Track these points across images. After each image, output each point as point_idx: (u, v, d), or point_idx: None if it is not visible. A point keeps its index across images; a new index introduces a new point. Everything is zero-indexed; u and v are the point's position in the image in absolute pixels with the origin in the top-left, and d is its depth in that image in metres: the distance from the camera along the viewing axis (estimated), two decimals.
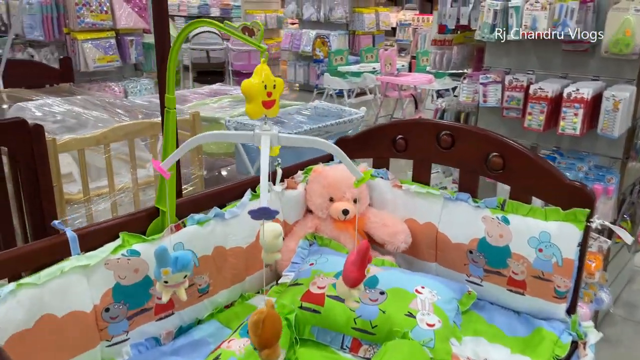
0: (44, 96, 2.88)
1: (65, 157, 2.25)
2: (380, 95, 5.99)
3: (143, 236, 1.29)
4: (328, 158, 1.81)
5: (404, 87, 5.66)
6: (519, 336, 1.42)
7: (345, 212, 1.61)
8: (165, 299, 1.13)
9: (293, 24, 9.70)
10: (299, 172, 1.71)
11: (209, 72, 8.25)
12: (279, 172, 1.64)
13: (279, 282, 1.54)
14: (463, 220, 1.55)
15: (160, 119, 2.47)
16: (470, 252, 1.54)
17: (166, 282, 1.12)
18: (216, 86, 4.96)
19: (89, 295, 1.19)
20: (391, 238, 1.63)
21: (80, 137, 2.11)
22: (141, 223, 1.31)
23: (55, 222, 1.16)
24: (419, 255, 1.67)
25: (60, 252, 1.16)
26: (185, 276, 1.13)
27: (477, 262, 1.53)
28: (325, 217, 1.66)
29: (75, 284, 1.16)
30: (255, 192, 1.56)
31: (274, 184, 1.63)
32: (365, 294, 1.36)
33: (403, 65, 6.51)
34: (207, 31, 8.09)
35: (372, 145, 1.75)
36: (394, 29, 10.55)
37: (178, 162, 1.46)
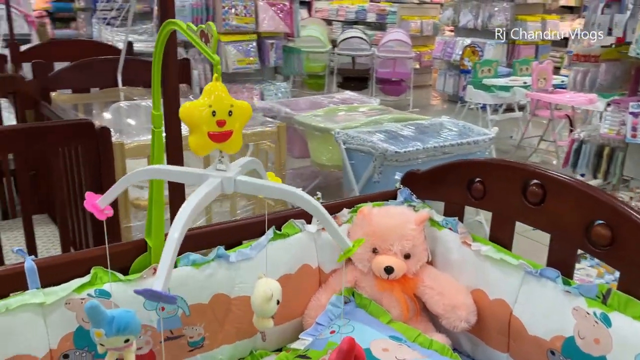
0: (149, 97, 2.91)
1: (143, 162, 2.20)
2: (529, 114, 5.30)
3: (119, 275, 1.10)
4: (391, 196, 1.46)
5: (559, 106, 4.91)
6: None
7: (389, 270, 1.26)
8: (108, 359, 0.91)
9: (451, 31, 9.17)
10: (345, 210, 1.39)
11: (354, 79, 8.14)
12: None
13: (291, 346, 1.25)
14: (546, 306, 1.11)
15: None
16: (553, 353, 1.10)
17: (102, 344, 0.90)
18: (355, 94, 4.74)
19: (43, 338, 1.02)
20: (448, 312, 1.25)
21: (148, 143, 2.02)
22: (125, 257, 1.12)
23: (16, 248, 1.01)
24: (486, 340, 1.26)
25: (18, 283, 1.01)
26: (127, 340, 0.90)
27: None
28: (367, 271, 1.32)
29: (26, 325, 1.00)
30: (279, 231, 1.29)
31: (309, 223, 1.34)
32: None
33: (563, 81, 5.68)
34: (355, 37, 7.98)
35: (444, 185, 1.38)
36: (566, 39, 9.43)
37: (180, 188, 1.25)
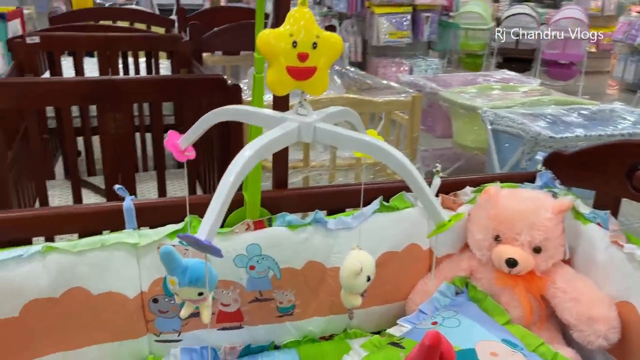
0: None
1: None
2: None
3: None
4: (526, 178, 1.24)
5: None
6: None
7: (512, 262, 1.06)
8: (183, 313, 0.86)
9: (638, 12, 7.99)
10: (467, 189, 1.20)
11: (516, 59, 7.48)
12: (436, 182, 1.18)
13: (388, 331, 1.12)
14: None
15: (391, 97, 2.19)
16: None
17: (176, 294, 0.85)
18: (514, 74, 4.33)
19: (135, 279, 1.02)
20: (582, 324, 1.01)
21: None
22: None
23: (117, 186, 1.02)
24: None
25: (116, 222, 1.02)
26: (201, 294, 0.84)
27: None
28: (486, 261, 1.13)
29: (119, 262, 1.00)
30: (387, 202, 1.16)
31: (437, 196, 1.18)
32: None
33: None
34: (522, 13, 7.32)
35: (596, 170, 1.12)
36: None
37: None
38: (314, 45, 0.63)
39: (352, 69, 2.85)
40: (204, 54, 2.98)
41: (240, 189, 1.07)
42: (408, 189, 1.17)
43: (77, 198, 1.83)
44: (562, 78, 7.05)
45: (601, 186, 1.12)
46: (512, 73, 4.34)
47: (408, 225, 1.16)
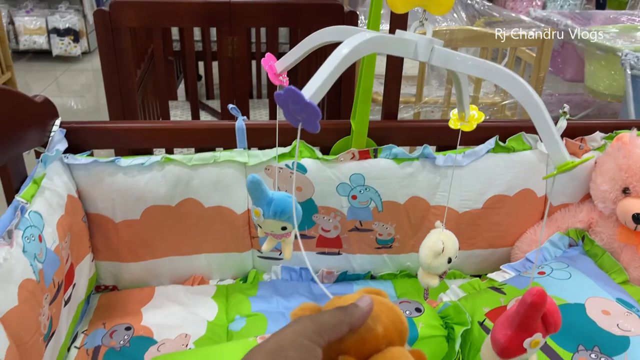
0: None
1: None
2: None
3: (318, 152, 1.06)
4: None
5: None
6: None
7: (639, 218, 0.96)
8: (265, 248, 0.85)
9: None
10: (597, 134, 1.09)
11: None
12: (562, 123, 1.08)
13: (490, 275, 1.08)
14: None
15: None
16: None
17: (260, 226, 0.83)
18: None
19: (243, 196, 1.06)
20: None
21: None
22: (327, 137, 1.07)
23: (230, 105, 1.04)
24: None
25: (227, 140, 1.05)
26: (284, 228, 0.83)
27: None
28: (609, 214, 1.03)
29: (228, 179, 1.05)
30: (503, 143, 1.08)
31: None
32: (585, 356, 0.80)
33: None
34: None
35: None
36: None
37: (398, 69, 1.11)
38: None
39: (478, 0, 2.65)
40: None
41: (347, 118, 1.06)
42: (527, 130, 1.09)
43: (195, 118, 1.93)
44: None
45: None
46: None
47: (524, 169, 1.08)
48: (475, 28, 1.88)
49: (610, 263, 1.01)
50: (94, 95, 3.44)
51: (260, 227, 0.82)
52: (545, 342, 0.82)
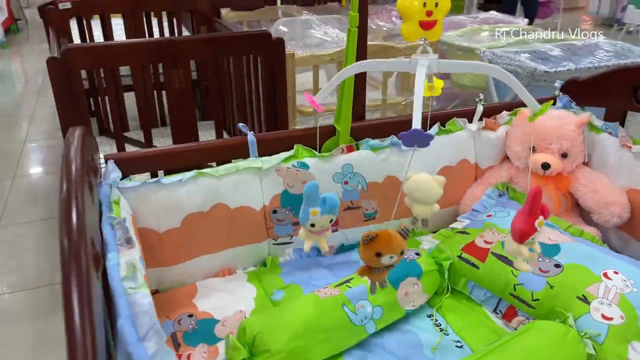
0: (309, 14, 3.12)
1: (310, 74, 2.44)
2: None
3: (315, 151, 1.34)
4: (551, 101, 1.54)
5: None
6: None
7: (546, 166, 1.38)
8: (307, 246, 1.08)
9: None
10: (504, 113, 1.51)
11: (497, 0, 7.69)
12: (479, 109, 1.48)
13: (450, 226, 1.44)
14: None
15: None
16: None
17: (313, 225, 1.05)
18: (499, 15, 4.59)
19: (259, 195, 1.31)
20: (600, 208, 1.35)
21: (316, 54, 2.25)
22: (315, 139, 1.36)
23: (240, 124, 1.29)
24: (637, 236, 1.35)
25: (241, 152, 1.30)
26: (331, 221, 1.08)
27: None
28: (523, 168, 1.45)
29: (248, 182, 1.29)
30: (444, 126, 1.46)
31: (470, 122, 1.48)
32: (536, 262, 1.18)
33: None
34: None
35: (606, 91, 1.43)
36: None
37: (362, 85, 1.44)
38: (436, 4, 0.91)
39: None
40: (222, 10, 3.17)
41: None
42: (457, 115, 1.47)
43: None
44: (541, 16, 7.32)
45: (610, 103, 1.43)
46: (497, 13, 4.59)
47: (459, 144, 1.47)
48: (378, 42, 2.28)
49: None
50: None
51: (314, 225, 1.04)
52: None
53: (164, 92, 2.53)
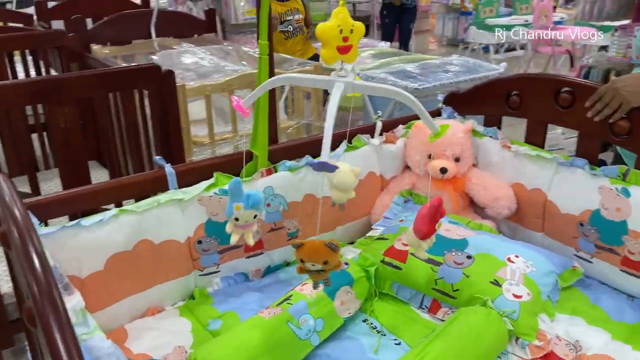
0: (189, 45, 3.11)
1: (201, 103, 2.42)
2: (531, 51, 5.49)
3: (233, 177, 1.36)
4: (436, 114, 1.72)
5: (559, 42, 5.12)
6: (625, 322, 1.26)
7: (444, 170, 1.53)
8: (233, 240, 1.17)
9: None
10: (400, 127, 1.65)
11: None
12: (379, 124, 1.60)
13: (367, 234, 1.54)
14: (577, 188, 1.39)
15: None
16: (581, 224, 1.38)
17: (237, 219, 1.14)
18: (364, 39, 4.89)
19: (183, 227, 1.30)
20: (492, 202, 1.53)
21: (207, 84, 2.26)
22: (235, 165, 1.38)
23: (157, 158, 1.27)
24: (524, 223, 1.55)
25: (160, 186, 1.28)
26: (255, 216, 1.16)
27: (588, 237, 1.38)
28: (423, 175, 1.60)
29: (170, 216, 1.27)
30: (351, 143, 1.56)
31: (372, 137, 1.60)
32: (450, 256, 1.31)
33: (563, 18, 5.85)
34: None
35: (483, 101, 1.63)
36: None
37: (274, 111, 1.49)
38: (351, 31, 0.99)
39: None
40: (94, 46, 3.04)
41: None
42: (360, 132, 1.58)
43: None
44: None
45: (487, 111, 1.63)
46: (364, 39, 4.92)
47: (365, 159, 1.57)
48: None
49: None
50: None
51: (238, 219, 1.12)
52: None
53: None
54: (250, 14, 5.49)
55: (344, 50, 1.00)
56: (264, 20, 1.22)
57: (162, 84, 2.09)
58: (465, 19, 7.06)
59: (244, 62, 2.91)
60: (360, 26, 1.01)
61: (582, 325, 1.26)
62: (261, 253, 1.44)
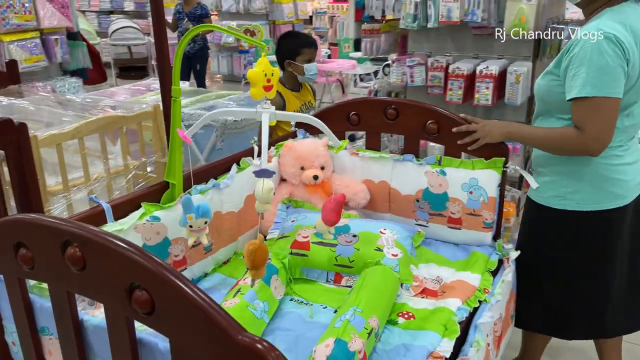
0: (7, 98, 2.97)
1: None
2: None
3: (160, 204, 1.56)
4: (291, 136, 2.12)
5: (330, 73, 6.04)
6: (459, 260, 1.83)
7: (316, 177, 1.94)
8: (190, 242, 1.43)
9: (215, 15, 9.74)
10: (272, 148, 2.02)
11: (132, 68, 8.23)
12: (255, 148, 1.93)
13: (267, 238, 1.86)
14: (409, 176, 1.93)
15: (121, 112, 2.67)
16: (417, 200, 1.93)
17: (191, 226, 1.40)
18: (150, 81, 5.07)
19: None
20: (353, 196, 1.99)
21: (58, 133, 2.28)
22: (155, 195, 1.58)
23: (92, 196, 1.41)
24: (376, 209, 2.04)
25: (99, 220, 1.41)
26: (206, 222, 1.42)
27: (423, 208, 1.93)
28: (298, 184, 1.98)
29: None
30: (239, 165, 1.86)
31: (253, 158, 1.93)
32: (342, 238, 1.71)
33: (326, 52, 6.89)
34: (127, 26, 8.05)
35: (330, 121, 2.09)
36: (311, 17, 10.93)
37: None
38: (272, 74, 1.33)
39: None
40: None
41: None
42: (245, 156, 1.90)
43: None
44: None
45: (334, 128, 2.10)
46: (148, 81, 5.11)
47: (251, 176, 1.88)
48: (113, 114, 2.47)
49: (310, 206, 1.96)
50: None
51: (192, 227, 1.39)
52: None
53: None
54: (28, 62, 5.19)
55: (267, 88, 1.34)
56: (177, 69, 1.47)
57: (17, 137, 2.08)
58: (244, 57, 7.69)
59: (70, 110, 2.92)
60: (276, 71, 1.36)
61: (435, 268, 1.79)
62: (185, 269, 1.65)
